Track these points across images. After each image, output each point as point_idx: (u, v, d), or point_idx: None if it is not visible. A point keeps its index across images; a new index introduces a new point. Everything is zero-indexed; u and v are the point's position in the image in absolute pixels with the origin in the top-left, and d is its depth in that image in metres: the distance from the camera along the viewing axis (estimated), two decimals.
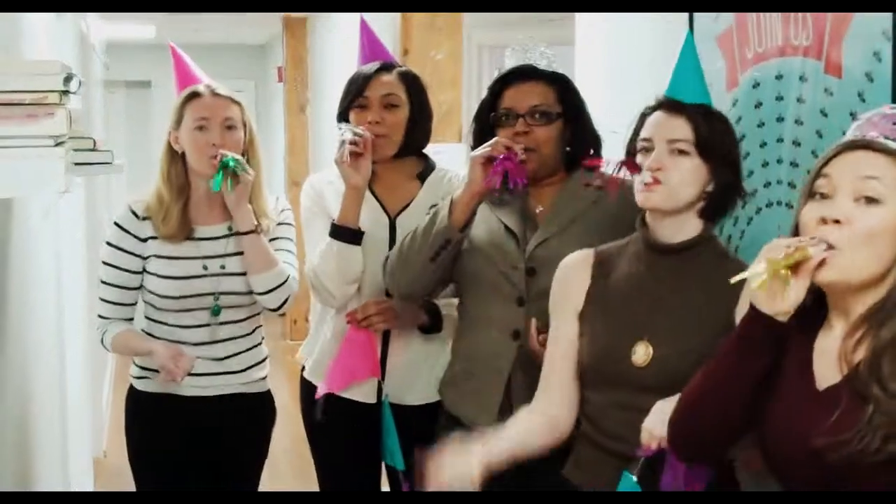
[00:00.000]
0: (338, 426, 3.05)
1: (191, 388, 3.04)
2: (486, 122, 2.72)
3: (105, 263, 3.06)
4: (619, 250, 2.34)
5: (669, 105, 2.25)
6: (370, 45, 3.13)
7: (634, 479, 2.08)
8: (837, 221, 1.72)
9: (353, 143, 2.84)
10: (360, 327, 2.94)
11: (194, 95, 3.02)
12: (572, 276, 2.35)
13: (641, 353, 2.18)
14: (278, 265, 3.03)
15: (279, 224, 3.13)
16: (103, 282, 3.07)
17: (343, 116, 3.03)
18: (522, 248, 2.63)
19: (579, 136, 2.71)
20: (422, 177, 3.06)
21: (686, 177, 2.20)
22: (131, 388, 3.15)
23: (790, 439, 1.79)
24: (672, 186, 2.19)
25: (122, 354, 3.08)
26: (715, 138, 2.21)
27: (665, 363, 2.14)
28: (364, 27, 3.15)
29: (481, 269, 2.66)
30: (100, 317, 3.09)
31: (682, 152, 2.20)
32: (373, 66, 3.01)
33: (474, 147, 2.73)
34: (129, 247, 3.02)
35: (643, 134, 2.25)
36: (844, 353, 1.77)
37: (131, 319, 3.11)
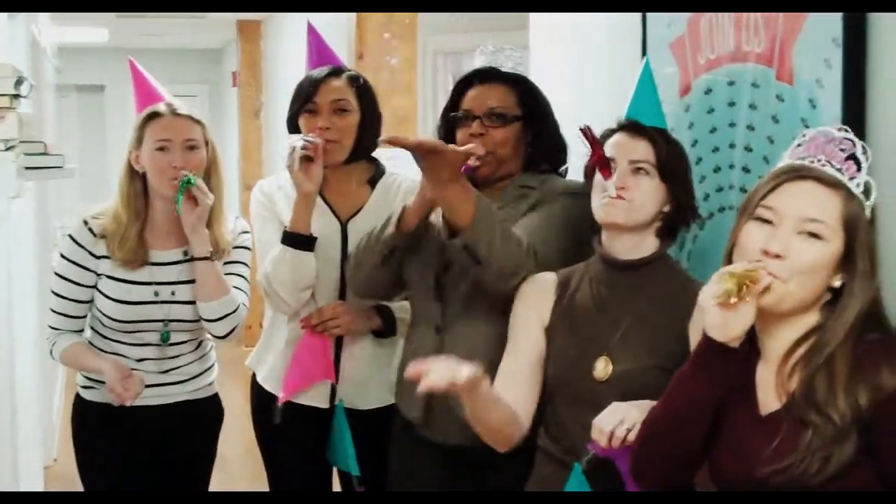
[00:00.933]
0: (291, 431, 3.03)
1: (137, 398, 3.01)
2: (448, 122, 2.72)
3: (57, 275, 3.02)
4: (579, 271, 2.37)
5: (631, 127, 2.31)
6: (318, 49, 3.11)
7: (581, 470, 2.09)
8: (779, 256, 1.76)
9: (304, 148, 2.83)
10: (315, 332, 2.93)
11: (154, 115, 2.96)
12: (538, 294, 2.38)
13: (601, 369, 2.21)
14: (229, 293, 2.98)
15: (235, 247, 3.08)
16: (55, 293, 3.03)
17: (293, 122, 3.02)
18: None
19: (541, 140, 2.69)
20: (372, 182, 3.05)
21: (646, 196, 2.26)
22: (78, 397, 3.11)
23: (735, 465, 1.83)
24: (634, 204, 2.25)
25: (70, 368, 3.03)
26: (673, 161, 2.29)
27: (624, 378, 2.17)
28: (312, 31, 3.13)
29: (422, 272, 2.65)
30: (50, 327, 3.05)
31: (643, 172, 2.26)
32: (322, 71, 3.00)
33: None
34: (83, 261, 2.97)
35: (606, 154, 2.29)
36: (781, 380, 1.81)
37: (81, 331, 3.07)
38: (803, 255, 1.76)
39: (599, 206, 2.28)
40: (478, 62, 2.74)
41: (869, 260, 1.79)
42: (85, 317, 3.05)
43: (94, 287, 2.99)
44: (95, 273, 2.98)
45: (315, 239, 2.89)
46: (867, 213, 1.80)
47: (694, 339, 2.14)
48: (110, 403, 2.98)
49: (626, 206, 2.24)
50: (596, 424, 2.05)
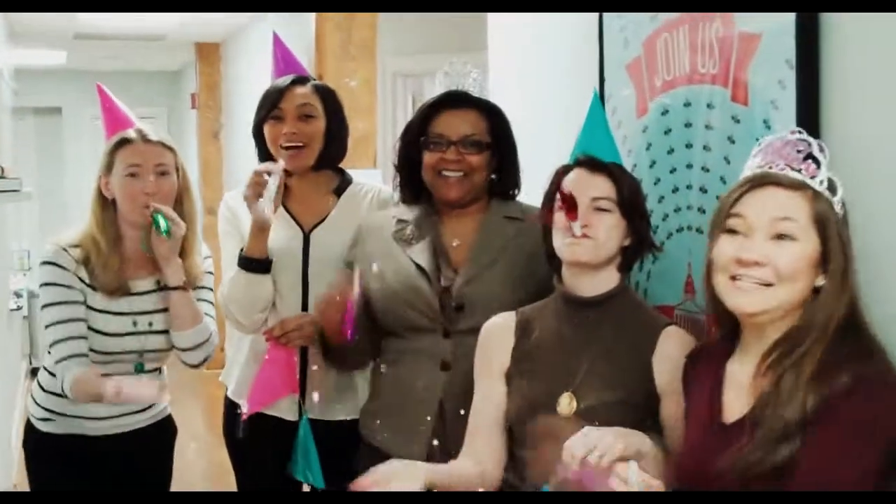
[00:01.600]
0: (259, 443, 3.02)
1: (95, 429, 2.98)
2: (414, 144, 2.70)
3: (47, 305, 2.90)
4: (539, 310, 2.37)
5: (590, 163, 2.29)
6: (284, 59, 3.12)
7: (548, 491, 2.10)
8: (757, 263, 1.79)
9: (258, 175, 2.83)
10: (279, 344, 2.91)
11: (125, 142, 2.92)
12: (496, 339, 2.38)
13: (565, 405, 2.21)
14: (203, 321, 2.97)
15: (205, 286, 3.06)
16: (51, 323, 2.89)
17: (258, 130, 3.02)
18: (436, 286, 2.61)
19: (506, 167, 2.72)
20: (338, 191, 3.06)
21: (609, 232, 2.25)
22: (30, 427, 3.05)
23: (693, 469, 1.85)
24: (598, 242, 2.24)
25: (82, 400, 2.90)
26: (633, 196, 2.28)
27: (588, 413, 2.16)
28: (277, 42, 3.14)
29: (400, 311, 2.64)
30: (57, 363, 2.88)
31: (604, 209, 2.25)
32: (287, 79, 3.01)
33: (399, 164, 2.76)
34: (71, 282, 2.88)
35: (565, 192, 2.27)
36: (755, 381, 1.83)
37: (87, 354, 2.89)
38: (780, 258, 1.79)
39: (564, 246, 2.26)
40: (440, 81, 2.73)
41: (843, 258, 1.80)
42: (86, 337, 2.89)
43: (85, 303, 2.89)
44: (83, 292, 2.90)
45: (271, 261, 2.89)
46: (837, 209, 1.82)
47: (658, 373, 2.18)
48: (67, 434, 2.95)
49: (592, 244, 2.24)
50: (567, 448, 2.03)
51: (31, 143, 11.85)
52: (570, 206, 2.23)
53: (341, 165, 3.14)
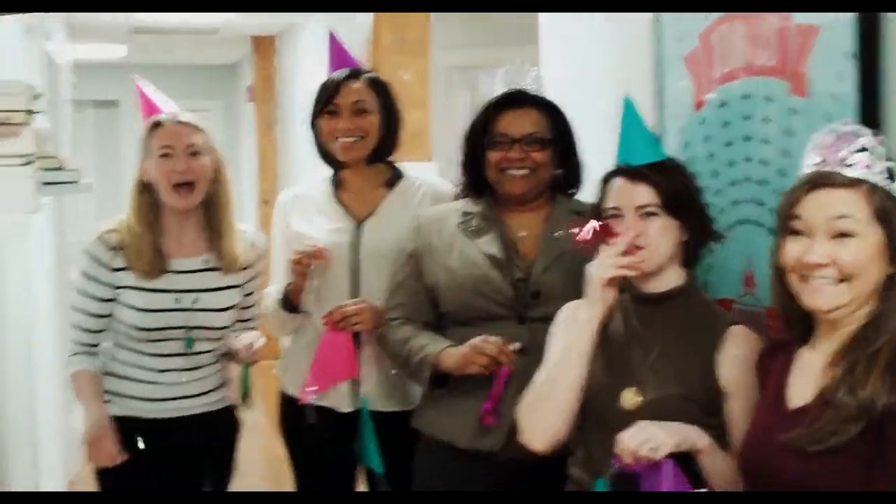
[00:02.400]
0: (315, 435, 3.05)
1: (154, 411, 3.02)
2: (478, 143, 2.75)
3: (76, 291, 3.04)
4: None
5: (628, 171, 2.28)
6: (339, 55, 3.15)
7: (605, 486, 2.10)
8: (820, 265, 1.80)
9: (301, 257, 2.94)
10: (336, 329, 2.94)
11: (157, 125, 3.00)
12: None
13: (629, 399, 2.21)
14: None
15: (252, 279, 3.14)
16: (74, 308, 3.05)
17: (313, 123, 3.06)
18: (508, 275, 2.64)
19: (568, 162, 2.76)
20: (390, 184, 3.08)
21: (660, 237, 2.24)
22: None
23: (756, 449, 1.87)
24: (651, 249, 2.23)
25: (75, 395, 3.08)
26: (679, 193, 2.26)
27: (650, 408, 2.16)
28: (333, 39, 3.17)
29: (471, 301, 2.67)
30: (72, 342, 3.07)
31: (651, 215, 2.24)
32: (342, 73, 3.05)
33: (464, 163, 2.79)
34: (100, 276, 2.99)
35: (610, 203, 2.27)
36: (829, 372, 1.83)
37: (97, 346, 3.07)
38: (843, 257, 1.80)
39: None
40: (500, 81, 2.77)
41: None
42: (103, 332, 3.06)
43: (113, 301, 3.00)
44: (113, 287, 2.99)
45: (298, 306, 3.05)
46: None
47: (723, 371, 2.17)
48: (126, 416, 3.00)
49: (644, 254, 2.23)
50: (621, 441, 2.05)
51: (90, 136, 11.99)
52: (607, 233, 2.23)
53: (397, 159, 3.16)
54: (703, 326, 2.24)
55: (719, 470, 2.06)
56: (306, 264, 2.93)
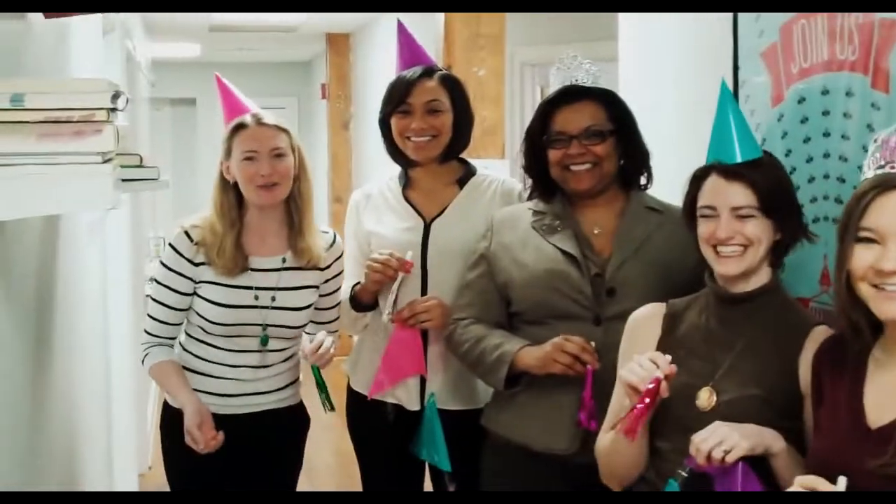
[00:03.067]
0: (382, 432, 3.08)
1: (225, 406, 3.05)
2: (538, 144, 2.72)
3: (156, 282, 3.08)
4: (689, 304, 2.35)
5: (724, 170, 2.22)
6: (409, 48, 3.13)
7: (678, 487, 2.08)
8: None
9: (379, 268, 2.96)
10: (407, 326, 2.95)
11: (241, 127, 3.02)
12: (644, 328, 2.37)
13: (705, 399, 2.18)
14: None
15: (336, 276, 3.15)
16: (153, 299, 3.08)
17: (385, 122, 3.06)
18: (585, 272, 2.62)
19: (631, 151, 2.71)
20: (461, 182, 3.08)
21: (758, 238, 2.19)
22: (165, 404, 3.16)
23: (839, 471, 1.79)
24: (748, 251, 2.20)
25: (156, 384, 3.10)
26: (775, 193, 2.20)
27: (726, 408, 2.13)
28: (402, 30, 3.15)
29: (546, 298, 2.65)
30: (146, 332, 3.10)
31: (748, 217, 2.19)
32: (415, 72, 3.03)
33: (527, 165, 2.77)
34: (182, 269, 3.03)
35: (705, 202, 2.23)
36: None
37: (174, 339, 3.12)
38: None
39: (713, 262, 2.23)
40: (555, 76, 2.73)
41: None
42: (180, 325, 3.10)
43: (193, 294, 3.04)
44: (194, 281, 3.03)
45: (376, 305, 3.07)
46: None
47: (805, 375, 2.12)
48: None
49: (741, 254, 2.19)
50: (694, 442, 2.03)
51: (168, 133, 12.16)
52: (653, 397, 2.15)
53: (471, 155, 3.15)
54: (786, 327, 2.20)
55: (792, 476, 2.02)
56: (391, 277, 2.94)
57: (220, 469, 3.05)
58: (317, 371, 3.04)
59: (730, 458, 1.98)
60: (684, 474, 2.08)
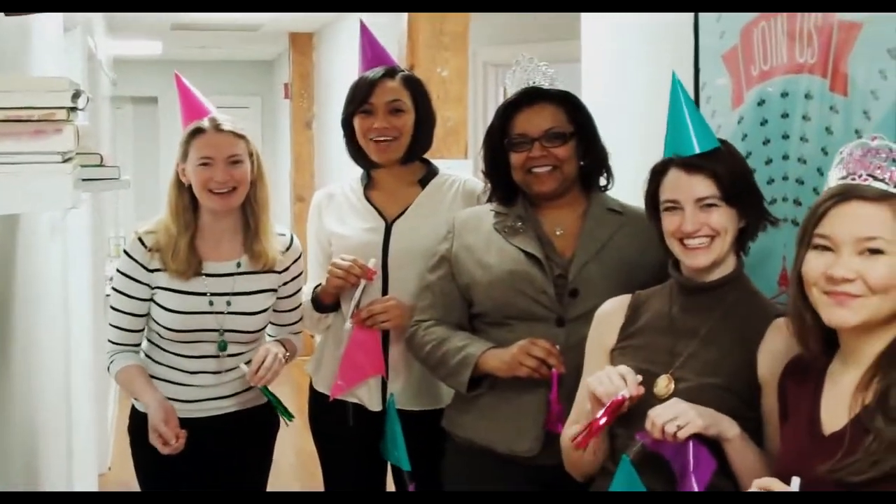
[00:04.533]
0: (344, 433, 3.08)
1: (188, 411, 3.03)
2: (498, 146, 2.72)
3: (115, 290, 3.06)
4: (654, 293, 2.36)
5: (683, 163, 2.22)
6: (371, 48, 3.13)
7: (630, 462, 2.09)
8: (846, 279, 1.78)
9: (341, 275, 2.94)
10: (365, 326, 2.95)
11: (198, 132, 2.99)
12: (608, 319, 2.38)
13: (663, 386, 2.19)
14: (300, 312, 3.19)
15: (295, 278, 3.14)
16: (113, 308, 3.07)
17: (347, 122, 3.05)
18: (548, 273, 2.62)
19: (592, 153, 2.72)
20: (423, 182, 3.08)
21: (724, 228, 2.20)
22: (133, 409, 3.13)
23: (792, 474, 1.82)
24: (714, 241, 2.20)
25: (123, 390, 3.07)
26: (736, 181, 2.21)
27: (684, 395, 2.14)
28: (364, 31, 3.15)
29: (509, 299, 2.65)
30: (110, 342, 3.09)
31: (712, 206, 2.20)
32: (377, 72, 3.03)
33: (487, 168, 2.77)
34: (137, 275, 3.01)
35: (667, 196, 2.24)
36: (859, 395, 1.80)
37: (139, 345, 3.10)
38: (872, 273, 1.77)
39: (682, 254, 2.24)
40: (511, 79, 2.73)
41: None
42: (142, 331, 3.08)
43: (150, 301, 3.02)
44: (150, 286, 3.01)
45: (338, 306, 3.06)
46: None
47: (762, 364, 2.15)
48: None
49: (709, 245, 2.20)
50: (651, 415, 2.05)
51: (129, 132, 12.09)
52: (612, 415, 2.16)
53: (434, 156, 3.15)
54: (748, 316, 2.21)
55: (747, 463, 2.05)
56: (353, 283, 2.94)
57: (188, 472, 3.04)
58: (265, 389, 3.02)
59: (682, 434, 2.00)
60: (637, 449, 2.10)
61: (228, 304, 3.02)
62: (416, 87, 3.06)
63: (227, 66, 11.47)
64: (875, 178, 1.80)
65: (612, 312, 2.38)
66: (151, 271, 3.01)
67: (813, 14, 2.29)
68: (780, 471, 1.86)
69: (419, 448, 2.91)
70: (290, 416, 3.08)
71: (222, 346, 3.03)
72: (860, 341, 1.84)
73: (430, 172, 3.10)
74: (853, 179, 1.82)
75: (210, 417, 3.07)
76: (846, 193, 1.81)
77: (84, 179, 2.79)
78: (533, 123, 2.66)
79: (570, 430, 2.33)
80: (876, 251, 1.77)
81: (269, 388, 3.03)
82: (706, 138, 2.23)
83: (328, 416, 3.10)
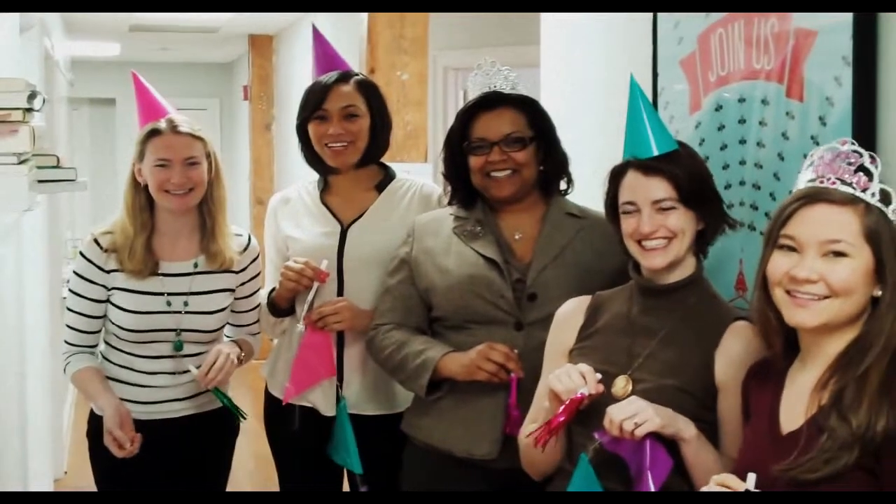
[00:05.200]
0: (301, 436, 3.06)
1: (145, 413, 3.02)
2: (458, 150, 2.72)
3: (71, 292, 3.04)
4: (613, 294, 2.36)
5: (641, 165, 2.23)
6: (325, 53, 3.13)
7: (588, 462, 2.10)
8: (809, 280, 1.80)
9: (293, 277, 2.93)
10: (316, 329, 2.94)
11: (155, 133, 2.97)
12: (567, 320, 2.38)
13: (620, 387, 2.19)
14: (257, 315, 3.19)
15: (252, 279, 3.13)
16: (69, 309, 3.05)
17: (302, 129, 3.04)
18: (507, 277, 2.62)
19: (551, 157, 2.72)
20: (380, 187, 3.07)
21: (682, 230, 2.21)
22: (92, 413, 3.10)
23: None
24: (672, 242, 2.21)
25: (78, 391, 3.05)
26: (694, 183, 2.22)
27: (642, 396, 2.14)
28: (318, 37, 3.15)
29: (468, 303, 2.65)
30: (66, 343, 3.07)
31: (669, 209, 2.20)
32: (331, 77, 3.01)
33: (447, 171, 2.76)
34: (94, 277, 2.99)
35: (625, 198, 2.24)
36: (815, 394, 1.83)
37: (95, 346, 3.09)
38: (834, 275, 1.80)
39: (637, 256, 2.25)
40: (473, 82, 2.73)
41: None
42: (98, 332, 3.07)
43: (106, 302, 3.00)
44: (106, 288, 3.00)
45: (293, 310, 3.05)
46: (893, 219, 1.81)
47: (719, 367, 2.16)
48: None
49: (666, 247, 2.21)
50: (609, 412, 2.05)
51: (86, 133, 12.00)
52: (571, 414, 2.16)
53: (394, 159, 3.15)
54: (707, 319, 2.22)
55: (702, 463, 2.06)
56: (306, 286, 2.93)
57: (147, 475, 3.01)
58: (216, 390, 3.00)
59: (639, 432, 2.01)
60: (595, 447, 2.10)
61: (186, 303, 3.00)
62: (370, 91, 3.05)
63: (186, 67, 11.41)
64: (843, 182, 1.82)
65: (571, 313, 2.39)
66: (107, 272, 2.99)
67: (770, 21, 2.31)
68: (739, 470, 1.88)
69: (377, 453, 2.91)
70: (242, 415, 3.07)
71: (178, 346, 3.01)
72: (820, 342, 1.86)
73: (388, 177, 3.09)
74: (822, 182, 1.84)
75: (167, 420, 3.05)
76: (814, 196, 1.83)
77: (40, 181, 2.77)
78: (492, 127, 2.66)
79: (529, 428, 2.34)
80: (839, 254, 1.80)
81: (225, 388, 3.02)
82: (664, 140, 2.24)
83: (282, 419, 3.08)
